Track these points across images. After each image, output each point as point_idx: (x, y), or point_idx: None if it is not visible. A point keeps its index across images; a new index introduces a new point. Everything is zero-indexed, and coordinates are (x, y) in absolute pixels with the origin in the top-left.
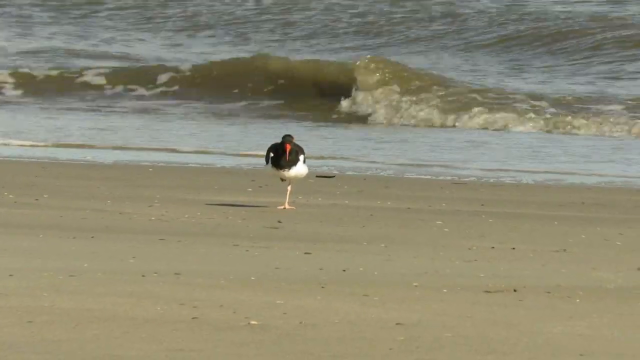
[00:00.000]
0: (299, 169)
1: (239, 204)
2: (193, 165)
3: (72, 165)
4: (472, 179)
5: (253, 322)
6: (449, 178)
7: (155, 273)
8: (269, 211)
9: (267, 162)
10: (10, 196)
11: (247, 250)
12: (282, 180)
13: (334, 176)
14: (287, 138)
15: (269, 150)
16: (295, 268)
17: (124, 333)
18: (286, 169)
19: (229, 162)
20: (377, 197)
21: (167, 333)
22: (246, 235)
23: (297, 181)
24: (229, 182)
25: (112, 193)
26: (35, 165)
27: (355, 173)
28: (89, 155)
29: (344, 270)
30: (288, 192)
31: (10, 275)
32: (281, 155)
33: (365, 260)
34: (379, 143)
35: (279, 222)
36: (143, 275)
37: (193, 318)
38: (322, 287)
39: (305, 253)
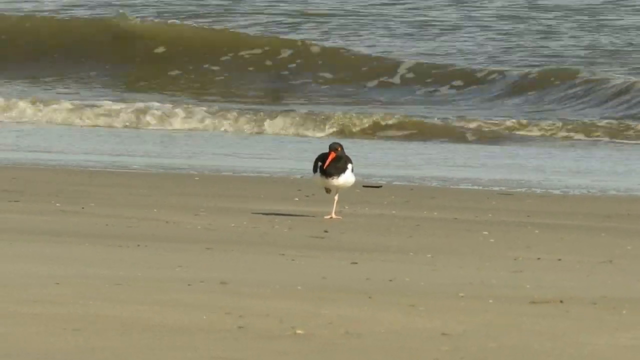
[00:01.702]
0: (347, 178)
1: (286, 213)
2: (240, 174)
3: (118, 174)
4: (519, 189)
5: (299, 332)
6: (495, 189)
7: (202, 282)
8: (316, 221)
9: (314, 171)
10: (57, 204)
11: (293, 260)
12: (328, 192)
13: (380, 186)
14: (333, 145)
15: (317, 159)
16: (341, 278)
17: (170, 342)
18: (334, 177)
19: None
20: (424, 208)
21: (213, 342)
22: (292, 244)
23: (343, 191)
24: (275, 191)
25: (159, 201)
26: (82, 174)
27: (402, 183)
28: (134, 163)
29: (391, 280)
30: (335, 202)
31: (57, 283)
32: (328, 163)
33: (411, 270)
34: None
35: (326, 231)
36: (189, 284)
37: (239, 327)
38: (369, 297)
39: (352, 263)
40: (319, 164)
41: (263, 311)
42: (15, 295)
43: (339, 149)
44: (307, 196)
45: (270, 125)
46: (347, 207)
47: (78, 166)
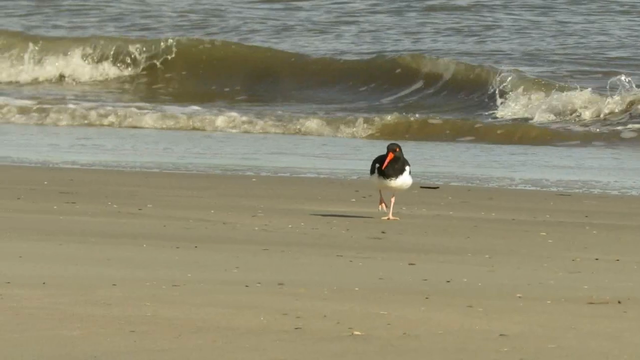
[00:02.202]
0: (405, 179)
1: (343, 214)
2: (297, 175)
3: (174, 175)
4: (577, 190)
5: (356, 333)
6: (553, 190)
7: (259, 283)
8: (373, 222)
9: (372, 172)
10: (114, 206)
11: (350, 261)
12: (382, 189)
13: (438, 187)
14: (391, 146)
15: (375, 161)
16: (398, 279)
17: (227, 343)
18: (392, 178)
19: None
20: (482, 208)
21: (270, 343)
22: (350, 245)
23: (401, 192)
24: (332, 192)
25: (216, 203)
26: (138, 175)
27: (459, 184)
28: (192, 164)
29: (448, 281)
30: (392, 203)
31: (114, 285)
32: (386, 164)
33: (469, 271)
34: None
35: (383, 232)
36: (246, 286)
37: (296, 328)
38: (426, 298)
39: (409, 264)
40: (377, 165)
41: (320, 312)
42: (72, 297)
43: (397, 150)
44: (364, 197)
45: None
46: (404, 208)
47: (133, 167)
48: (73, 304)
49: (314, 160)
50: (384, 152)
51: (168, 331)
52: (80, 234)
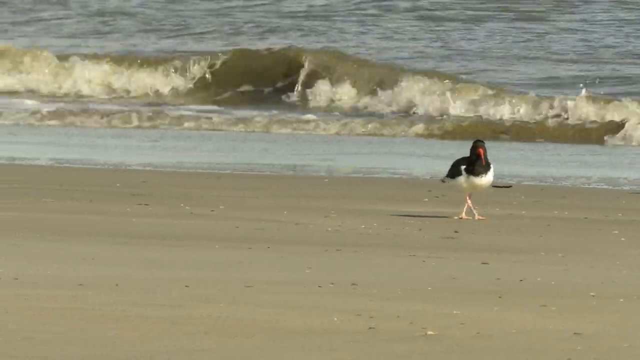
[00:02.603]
0: (491, 176)
1: (416, 215)
2: (370, 176)
3: (246, 177)
4: None
5: (430, 333)
6: (626, 188)
7: (332, 284)
8: (446, 221)
9: (454, 175)
10: (187, 208)
11: (423, 261)
12: (470, 189)
13: (510, 186)
14: (479, 143)
15: (458, 163)
16: (472, 278)
17: (301, 343)
18: (483, 175)
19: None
20: (554, 207)
21: (343, 344)
22: (423, 245)
23: (479, 192)
24: (405, 193)
25: (288, 204)
26: (211, 177)
27: (532, 183)
28: (264, 165)
29: (521, 280)
30: (468, 203)
31: (186, 286)
32: (475, 160)
33: (542, 270)
34: None
35: (456, 232)
36: (319, 286)
37: (369, 328)
38: (499, 297)
39: (483, 263)
40: (462, 166)
41: (394, 312)
42: (145, 298)
43: (484, 145)
44: (437, 197)
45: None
46: (477, 208)
47: (205, 168)
48: (145, 306)
49: (388, 159)
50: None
51: (241, 332)
52: (152, 236)
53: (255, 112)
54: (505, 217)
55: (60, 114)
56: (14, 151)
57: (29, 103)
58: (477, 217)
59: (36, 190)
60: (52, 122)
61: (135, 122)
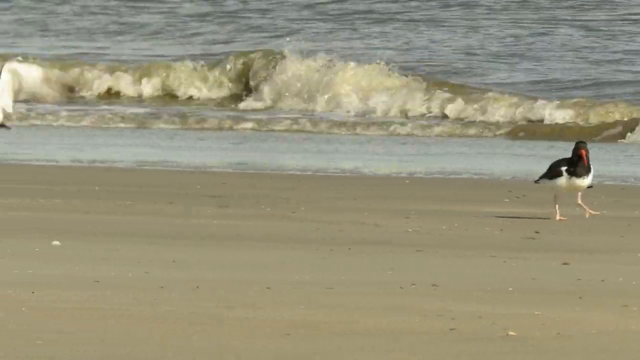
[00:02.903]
0: (591, 178)
1: (496, 215)
2: (448, 177)
3: (326, 178)
4: None
5: (511, 333)
6: None
7: (413, 284)
8: (527, 222)
9: (553, 176)
10: (268, 209)
11: (504, 262)
12: (568, 190)
13: (591, 186)
14: (581, 144)
15: (558, 164)
16: (552, 279)
17: (382, 345)
18: (585, 177)
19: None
20: (635, 207)
21: (425, 345)
22: (503, 246)
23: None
24: (485, 193)
25: (369, 205)
26: (291, 178)
27: (612, 183)
28: (346, 168)
29: (602, 281)
30: (581, 200)
31: (267, 287)
32: (578, 161)
33: (623, 270)
34: None
35: (537, 232)
36: (401, 287)
37: (450, 329)
38: (580, 298)
39: (563, 264)
40: (563, 168)
41: (475, 313)
42: (224, 300)
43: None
44: (518, 197)
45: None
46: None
47: (285, 169)
48: (224, 307)
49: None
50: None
51: (322, 335)
52: (233, 238)
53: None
54: (586, 217)
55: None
56: (94, 154)
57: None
58: (557, 217)
59: (118, 193)
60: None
61: (225, 125)
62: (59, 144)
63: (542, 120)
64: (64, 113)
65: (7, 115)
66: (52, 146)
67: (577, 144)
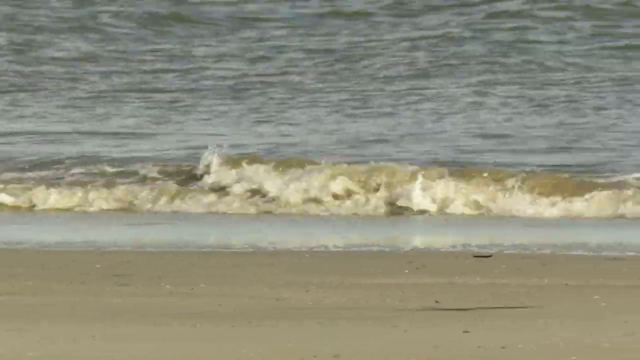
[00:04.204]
0: None
1: (396, 286)
2: (349, 249)
3: (226, 254)
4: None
5: None
6: (604, 254)
7: (315, 357)
8: (427, 292)
9: None
10: (167, 286)
11: (405, 331)
12: None
13: (491, 256)
14: None
15: None
16: (453, 347)
17: None
18: None
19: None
20: (534, 275)
21: None
22: (404, 315)
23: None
24: (384, 264)
25: (269, 280)
26: (191, 255)
27: (512, 252)
28: (246, 243)
29: (503, 348)
30: None
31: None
32: None
33: (523, 336)
34: None
35: (436, 302)
36: (301, 359)
37: None
38: None
39: (464, 332)
40: None
41: None
42: None
43: None
44: (418, 268)
45: None
46: (457, 277)
47: (186, 247)
48: None
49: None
50: None
51: None
52: (131, 315)
53: None
54: (486, 285)
55: None
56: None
57: None
58: None
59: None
60: None
61: None
62: None
63: None
64: None
65: None
66: None
67: None
